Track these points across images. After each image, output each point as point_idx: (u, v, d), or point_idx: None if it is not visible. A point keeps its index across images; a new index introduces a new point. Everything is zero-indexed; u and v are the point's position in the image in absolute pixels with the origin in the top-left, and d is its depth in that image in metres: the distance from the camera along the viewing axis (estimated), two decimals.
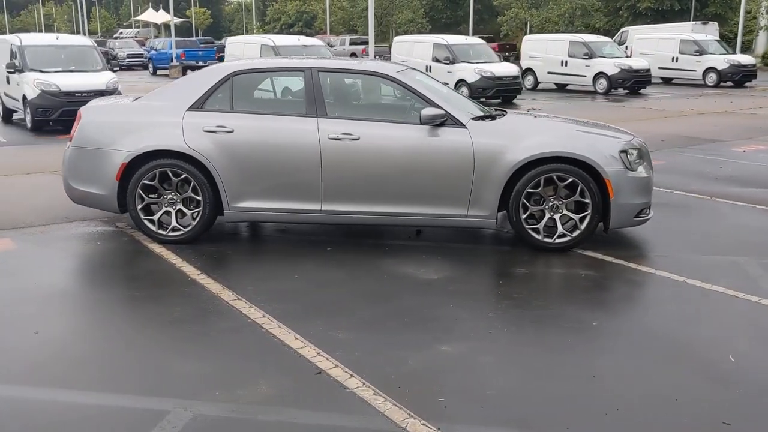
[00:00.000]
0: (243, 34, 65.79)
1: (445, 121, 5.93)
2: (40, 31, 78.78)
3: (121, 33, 65.81)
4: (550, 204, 6.00)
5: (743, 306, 4.80)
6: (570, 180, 5.90)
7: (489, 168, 5.89)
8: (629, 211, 6.00)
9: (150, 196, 6.13)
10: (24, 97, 13.88)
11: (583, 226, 5.98)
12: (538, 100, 20.94)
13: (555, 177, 5.91)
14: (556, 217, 6.02)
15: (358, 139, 5.94)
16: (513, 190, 5.91)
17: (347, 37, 43.77)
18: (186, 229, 6.16)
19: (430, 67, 20.28)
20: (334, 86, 6.25)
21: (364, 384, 3.65)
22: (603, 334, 4.37)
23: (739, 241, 6.33)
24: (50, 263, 5.76)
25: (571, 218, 6.00)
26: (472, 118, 6.09)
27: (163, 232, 6.17)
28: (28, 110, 13.76)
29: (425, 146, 5.93)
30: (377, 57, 20.50)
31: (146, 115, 6.23)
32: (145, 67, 38.40)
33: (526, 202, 5.94)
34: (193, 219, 6.15)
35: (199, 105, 6.14)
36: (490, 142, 5.93)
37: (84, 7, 58.68)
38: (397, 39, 23.24)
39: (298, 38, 18.83)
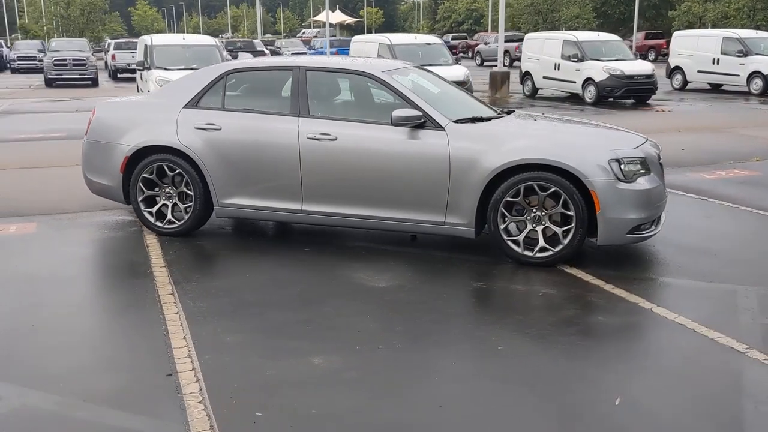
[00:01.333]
0: (416, 32, 66.85)
1: (423, 123, 5.69)
2: (229, 31, 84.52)
3: (303, 33, 69.02)
4: (532, 215, 5.57)
5: (689, 342, 4.20)
6: (552, 190, 5.45)
7: (466, 174, 5.58)
8: (620, 227, 5.43)
9: (150, 189, 6.41)
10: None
11: (565, 241, 5.49)
12: (673, 101, 19.43)
13: (536, 186, 5.47)
14: (539, 229, 5.58)
15: (336, 139, 5.85)
16: (492, 198, 5.56)
17: (494, 36, 42.95)
18: (179, 223, 6.38)
19: (559, 65, 19.47)
20: (320, 85, 6.18)
21: (200, 390, 3.60)
22: (496, 363, 3.99)
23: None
24: (49, 248, 6.18)
25: (555, 231, 5.54)
26: (458, 120, 5.78)
27: (160, 224, 6.42)
28: None
29: (402, 149, 5.72)
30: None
31: (148, 111, 6.52)
32: None
33: (504, 211, 5.55)
34: (186, 213, 6.36)
35: (195, 103, 6.33)
36: (467, 146, 5.61)
37: (260, 10, 62.22)
38: (528, 36, 22.49)
39: (415, 36, 18.78)
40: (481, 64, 38.39)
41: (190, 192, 6.29)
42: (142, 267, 5.59)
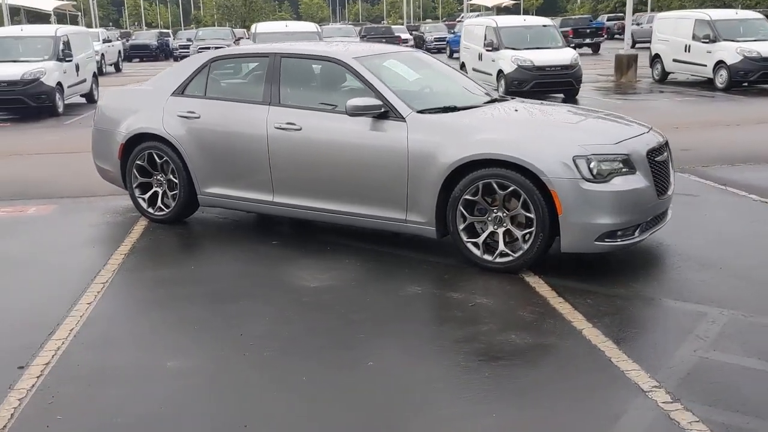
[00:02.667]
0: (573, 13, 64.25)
1: (386, 113, 5.32)
2: (384, 17, 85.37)
3: (462, 17, 68.34)
4: (493, 215, 5.05)
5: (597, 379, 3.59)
6: (511, 189, 4.90)
7: (424, 169, 5.15)
8: (587, 233, 4.79)
9: (144, 176, 6.50)
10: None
11: (526, 246, 4.93)
12: None
13: (494, 184, 4.95)
14: (500, 231, 5.05)
15: (300, 129, 5.62)
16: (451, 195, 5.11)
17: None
18: (167, 210, 6.42)
19: (689, 46, 17.80)
20: (293, 73, 5.94)
21: (29, 388, 3.55)
22: (347, 379, 3.62)
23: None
24: (43, 230, 6.44)
25: (516, 235, 4.99)
26: (425, 110, 5.34)
27: (152, 211, 6.51)
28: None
29: (362, 140, 5.39)
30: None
31: (142, 99, 6.59)
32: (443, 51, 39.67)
33: (463, 210, 5.07)
34: (173, 201, 6.39)
35: (181, 90, 6.33)
36: (427, 138, 5.17)
37: None
38: (660, 15, 20.75)
39: (524, 19, 17.88)
40: (633, 46, 36.08)
41: (174, 180, 6.31)
42: (107, 251, 5.67)
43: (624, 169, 4.89)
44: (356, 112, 5.25)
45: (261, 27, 16.49)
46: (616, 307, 4.41)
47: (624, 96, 16.92)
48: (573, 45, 33.58)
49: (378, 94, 5.38)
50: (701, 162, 8.68)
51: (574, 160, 4.76)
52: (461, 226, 5.11)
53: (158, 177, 6.44)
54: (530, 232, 4.90)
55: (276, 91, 5.83)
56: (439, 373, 3.64)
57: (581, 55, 32.75)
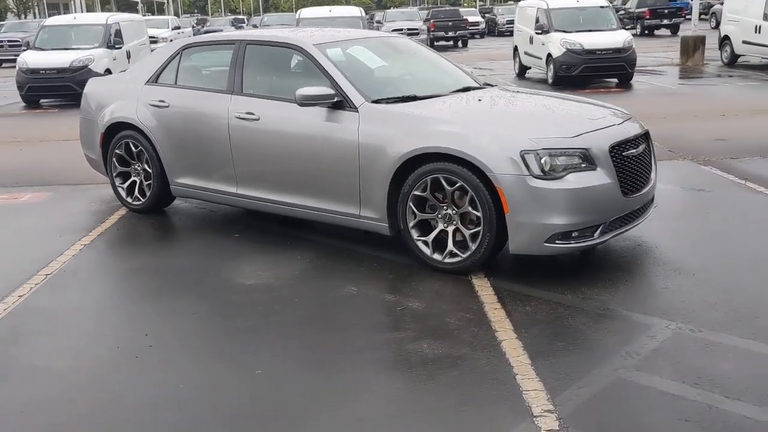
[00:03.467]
0: None
1: (340, 102, 5.06)
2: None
3: None
4: (443, 213, 4.74)
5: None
6: (458, 185, 4.58)
7: (375, 162, 4.88)
8: (536, 234, 4.42)
9: (123, 165, 6.46)
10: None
11: (473, 246, 4.60)
12: None
13: (442, 179, 4.63)
14: (450, 230, 4.73)
15: (259, 119, 5.44)
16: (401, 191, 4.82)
17: None
18: (143, 200, 6.37)
19: (760, 27, 16.61)
20: (256, 60, 5.74)
21: None
22: (236, 387, 3.41)
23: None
24: (34, 217, 6.50)
25: (465, 234, 4.67)
26: (381, 100, 5.05)
27: (130, 200, 6.47)
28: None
29: (317, 131, 5.15)
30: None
31: (121, 88, 6.54)
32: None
33: (413, 207, 4.78)
34: (148, 190, 6.33)
35: (155, 78, 6.25)
36: (378, 130, 4.89)
37: None
38: None
39: (576, 0, 17.05)
40: (716, 27, 34.22)
41: (148, 169, 6.25)
42: (70, 241, 5.65)
43: (583, 165, 4.49)
44: (306, 101, 5.01)
45: (305, 12, 16.41)
46: (554, 316, 4.05)
47: (684, 81, 16.01)
48: (646, 27, 32.45)
49: (333, 83, 5.13)
50: (732, 153, 8.04)
51: (521, 155, 4.39)
52: (411, 223, 4.82)
53: (136, 166, 6.39)
54: (478, 232, 4.58)
55: (239, 79, 5.66)
56: (322, 384, 3.40)
57: (659, 36, 31.56)
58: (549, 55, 15.48)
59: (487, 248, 4.55)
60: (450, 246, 4.70)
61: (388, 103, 5.07)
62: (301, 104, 5.02)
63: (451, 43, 32.83)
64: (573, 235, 4.47)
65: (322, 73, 5.22)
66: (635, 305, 4.15)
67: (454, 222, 4.69)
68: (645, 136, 5.04)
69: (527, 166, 4.37)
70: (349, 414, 3.14)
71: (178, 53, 6.18)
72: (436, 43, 32.48)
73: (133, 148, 6.30)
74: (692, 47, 18.51)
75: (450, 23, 31.85)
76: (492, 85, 6.04)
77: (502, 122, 4.78)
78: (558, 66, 15.06)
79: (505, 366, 3.48)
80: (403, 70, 5.91)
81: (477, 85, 5.86)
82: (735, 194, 6.48)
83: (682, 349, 3.61)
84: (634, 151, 4.77)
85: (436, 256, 4.76)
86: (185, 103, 5.93)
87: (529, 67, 17.46)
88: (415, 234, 4.82)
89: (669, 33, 32.07)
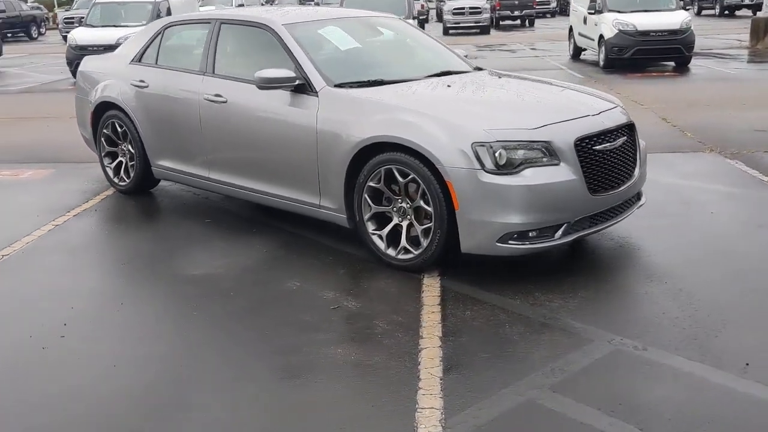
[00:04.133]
0: None
1: (302, 85, 4.82)
2: None
3: None
4: (398, 206, 4.45)
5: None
6: (411, 177, 4.29)
7: (331, 149, 4.64)
8: (487, 232, 4.09)
9: (111, 145, 6.41)
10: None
11: (425, 243, 4.31)
12: None
13: (395, 170, 4.35)
14: (404, 224, 4.45)
15: (226, 102, 5.26)
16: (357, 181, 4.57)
17: None
18: (128, 181, 6.31)
19: None
20: (229, 40, 5.53)
21: None
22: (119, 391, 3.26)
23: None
24: (24, 194, 6.52)
25: (417, 230, 4.38)
26: (345, 84, 4.79)
27: (116, 181, 6.42)
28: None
29: (279, 116, 4.94)
30: None
31: (110, 66, 6.46)
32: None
33: (368, 198, 4.52)
34: (132, 171, 6.26)
35: (138, 58, 6.14)
36: (335, 116, 4.64)
37: None
38: None
39: None
40: None
41: (131, 150, 6.17)
42: (44, 220, 5.62)
43: (544, 159, 4.12)
44: (265, 84, 4.79)
45: None
46: (492, 323, 3.73)
47: (748, 66, 15.03)
48: (726, 6, 30.76)
49: (296, 65, 4.89)
50: None
51: (473, 148, 4.06)
52: (366, 216, 4.56)
53: (122, 146, 6.32)
54: (430, 228, 4.28)
55: (212, 60, 5.49)
56: (215, 392, 3.20)
57: (739, 17, 29.80)
58: (601, 37, 14.78)
59: (438, 246, 4.25)
60: (403, 242, 4.43)
61: (351, 87, 4.80)
62: (260, 87, 4.80)
63: (517, 22, 31.96)
64: (530, 235, 4.13)
65: (287, 54, 4.98)
66: (586, 315, 3.79)
67: (408, 216, 4.41)
68: (627, 128, 4.61)
69: (479, 159, 4.04)
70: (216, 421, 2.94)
71: (161, 32, 6.05)
72: (501, 23, 31.71)
73: (119, 128, 6.23)
74: (763, 29, 17.40)
75: (516, 2, 30.97)
76: (481, 69, 5.68)
77: (462, 111, 4.42)
78: (609, 48, 14.35)
79: (412, 378, 3.21)
80: (379, 53, 5.59)
81: (462, 69, 5.51)
82: (752, 193, 5.93)
83: (615, 370, 3.25)
84: (608, 145, 4.36)
85: (390, 252, 4.49)
86: (162, 83, 5.80)
87: (585, 49, 16.75)
88: (370, 227, 4.56)
89: (750, 13, 30.31)
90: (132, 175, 6.23)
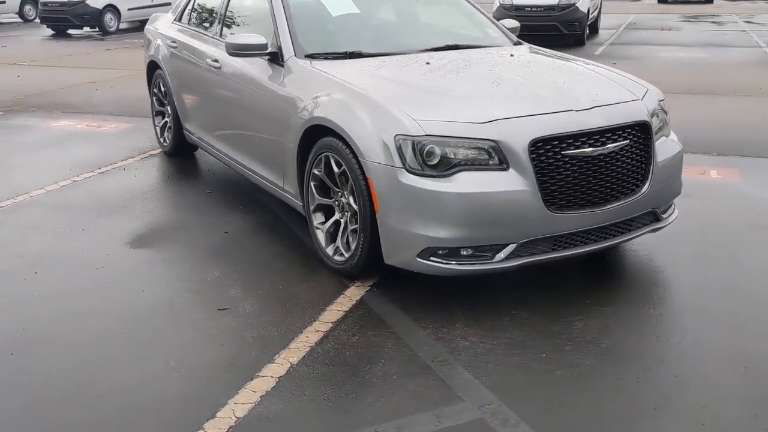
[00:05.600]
0: None
1: (276, 54, 4.35)
2: None
3: None
4: (339, 200, 3.87)
5: None
6: (343, 168, 3.68)
7: (287, 128, 4.15)
8: (406, 244, 3.40)
9: (161, 105, 6.36)
10: None
11: (353, 247, 3.70)
12: None
13: (331, 158, 3.76)
14: (343, 221, 3.85)
15: (220, 68, 4.93)
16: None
17: None
18: (168, 143, 6.23)
19: None
20: (239, 5, 5.14)
21: None
22: None
23: None
24: (86, 146, 6.70)
25: (350, 230, 3.77)
26: (318, 54, 4.23)
27: (162, 141, 6.38)
28: None
29: (257, 87, 4.52)
30: None
31: (160, 25, 6.35)
32: None
33: (313, 188, 3.98)
34: (169, 133, 6.17)
35: (178, 18, 5.99)
36: (293, 91, 4.13)
37: None
38: None
39: None
40: None
41: (170, 111, 6.07)
42: (75, 174, 5.70)
43: (490, 162, 3.32)
44: (234, 51, 4.36)
45: None
46: (368, 357, 3.07)
47: None
48: None
49: (275, 31, 4.42)
50: None
51: (396, 140, 3.36)
52: (312, 206, 4.03)
53: (168, 107, 6.25)
54: (355, 229, 3.66)
55: (221, 24, 5.18)
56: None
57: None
58: None
59: (363, 252, 3.62)
60: (338, 241, 3.84)
61: (325, 59, 4.23)
62: (230, 53, 4.39)
63: None
64: (463, 253, 3.36)
65: (272, 19, 4.51)
66: (489, 364, 3.00)
67: (347, 213, 3.81)
68: (635, 129, 3.60)
69: (401, 155, 3.34)
70: None
71: None
72: None
73: (162, 88, 6.16)
74: None
75: None
76: (520, 44, 4.83)
77: (406, 95, 3.65)
78: None
79: (205, 411, 2.69)
80: (379, 20, 4.88)
81: (481, 44, 4.69)
82: None
83: None
84: (590, 149, 3.41)
85: (329, 251, 3.93)
86: (184, 45, 5.61)
87: None
88: (315, 220, 4.02)
89: None
90: (171, 136, 6.14)
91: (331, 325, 3.34)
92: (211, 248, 4.30)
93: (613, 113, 3.57)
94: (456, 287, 3.67)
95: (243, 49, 4.34)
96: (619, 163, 3.52)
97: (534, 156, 3.31)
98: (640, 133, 3.62)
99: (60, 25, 17.90)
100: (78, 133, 7.22)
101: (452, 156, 3.31)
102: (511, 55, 4.44)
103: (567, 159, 3.37)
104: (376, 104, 3.54)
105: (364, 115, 3.52)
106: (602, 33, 15.81)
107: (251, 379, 2.90)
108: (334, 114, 3.66)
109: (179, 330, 3.34)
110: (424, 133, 3.32)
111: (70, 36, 17.75)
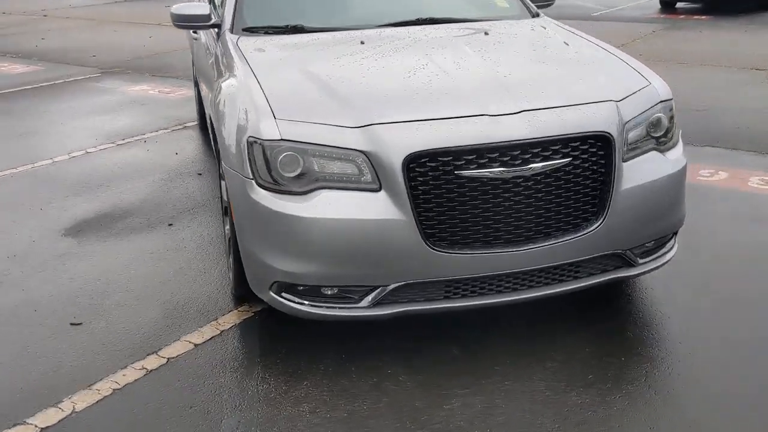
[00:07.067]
0: None
1: (219, 26, 3.79)
2: None
3: None
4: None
5: None
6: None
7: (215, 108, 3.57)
8: (259, 274, 2.73)
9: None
10: None
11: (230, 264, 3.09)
12: None
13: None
14: (230, 235, 3.23)
15: (198, 38, 4.45)
16: None
17: None
18: (199, 119, 5.92)
19: None
20: None
21: None
22: None
23: None
24: (146, 112, 6.57)
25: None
26: (258, 28, 3.60)
27: (198, 117, 6.08)
28: None
29: (206, 62, 3.99)
30: None
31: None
32: None
33: (222, 186, 3.40)
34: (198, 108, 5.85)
35: None
36: (215, 79, 3.53)
37: None
38: None
39: None
40: None
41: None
42: (110, 142, 5.57)
43: (362, 179, 2.54)
44: (179, 22, 3.83)
45: None
46: (207, 395, 2.49)
47: None
48: None
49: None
50: None
51: (248, 144, 2.66)
52: (222, 208, 3.45)
53: None
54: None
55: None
56: None
57: None
58: None
59: (234, 275, 3.01)
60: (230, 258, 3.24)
61: (266, 33, 3.59)
62: (174, 24, 3.87)
63: None
64: (325, 293, 2.63)
65: None
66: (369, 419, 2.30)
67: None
68: (590, 143, 2.60)
69: (252, 163, 2.64)
70: None
71: None
72: None
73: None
74: None
75: None
76: (537, 17, 3.88)
77: (303, 88, 2.84)
78: None
79: None
80: None
81: (471, 17, 3.78)
82: None
83: None
84: (498, 170, 2.49)
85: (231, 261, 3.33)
86: None
87: None
88: (226, 224, 3.44)
89: None
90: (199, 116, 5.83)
91: (164, 361, 2.78)
92: (146, 245, 3.88)
93: (552, 121, 2.59)
94: (341, 327, 2.93)
95: (184, 20, 3.81)
96: (552, 189, 2.56)
97: (413, 175, 2.48)
98: (595, 149, 2.62)
99: None
100: (142, 99, 7.12)
101: (317, 169, 2.56)
102: (486, 34, 3.48)
103: (464, 182, 2.49)
104: (251, 96, 2.84)
105: (239, 109, 2.85)
106: None
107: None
108: (214, 105, 3.06)
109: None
110: (279, 137, 2.59)
111: None
